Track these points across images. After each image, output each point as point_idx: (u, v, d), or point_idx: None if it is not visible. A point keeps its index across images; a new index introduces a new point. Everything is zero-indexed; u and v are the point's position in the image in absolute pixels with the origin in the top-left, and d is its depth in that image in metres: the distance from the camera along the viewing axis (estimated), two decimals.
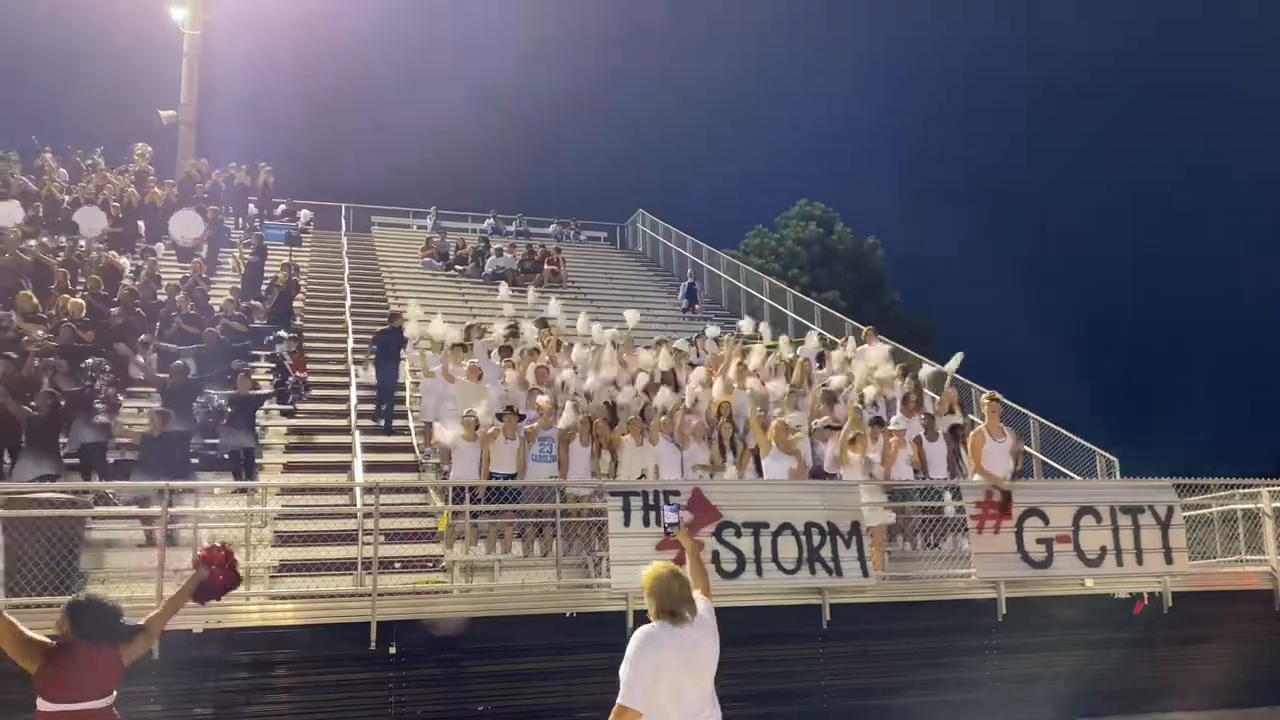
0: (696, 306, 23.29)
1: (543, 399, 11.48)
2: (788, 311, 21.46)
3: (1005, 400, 11.57)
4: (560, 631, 8.52)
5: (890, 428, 11.47)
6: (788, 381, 13.35)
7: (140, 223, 21.14)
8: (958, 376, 14.28)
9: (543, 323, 15.70)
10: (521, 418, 11.32)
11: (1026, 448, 13.24)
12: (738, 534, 9.01)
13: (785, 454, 10.45)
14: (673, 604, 4.22)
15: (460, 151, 54.00)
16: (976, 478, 10.06)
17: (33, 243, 16.63)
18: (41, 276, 15.38)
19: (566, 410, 11.44)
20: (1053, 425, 13.74)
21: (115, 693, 4.81)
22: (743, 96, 66.98)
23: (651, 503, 8.80)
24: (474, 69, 60.58)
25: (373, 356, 14.63)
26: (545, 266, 23.98)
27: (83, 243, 18.02)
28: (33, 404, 10.75)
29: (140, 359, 14.30)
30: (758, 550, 9.03)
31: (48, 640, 4.69)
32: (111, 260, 17.08)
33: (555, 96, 60.76)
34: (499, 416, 11.43)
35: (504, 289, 19.24)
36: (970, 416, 13.41)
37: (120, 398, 12.63)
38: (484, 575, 10.22)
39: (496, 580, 9.80)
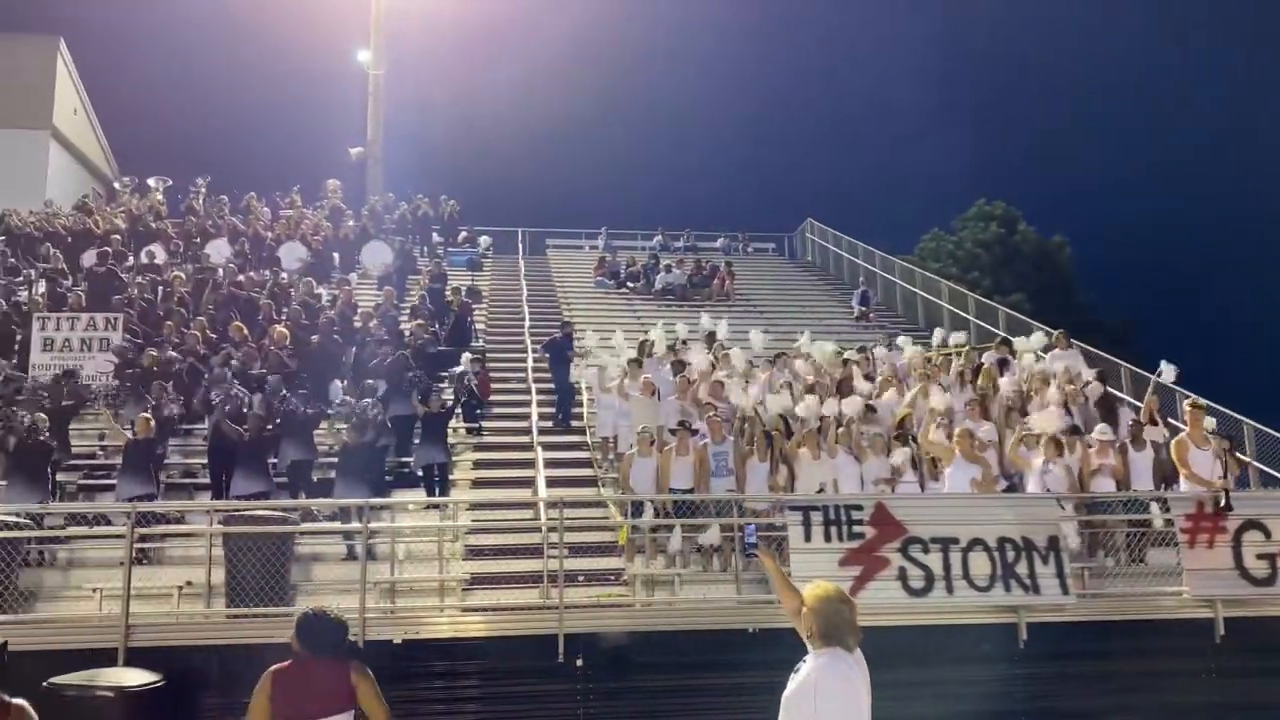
0: (870, 315, 22.76)
1: (714, 414, 11.48)
2: (969, 316, 20.62)
3: (1215, 405, 10.73)
4: (743, 647, 8.45)
5: (1095, 436, 10.83)
6: (974, 389, 12.83)
7: (335, 255, 22.59)
8: (1165, 384, 13.36)
9: (711, 337, 15.69)
10: (694, 432, 11.37)
11: (1242, 456, 12.20)
12: (925, 550, 8.71)
13: (970, 462, 10.02)
14: (846, 629, 4.07)
15: (629, 171, 55.02)
16: (1185, 485, 9.35)
17: (241, 277, 18.07)
18: (249, 308, 16.69)
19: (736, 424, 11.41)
20: (1272, 431, 12.62)
21: (351, 712, 4.76)
22: (910, 99, 65.05)
23: (833, 517, 8.64)
24: (639, 88, 61.54)
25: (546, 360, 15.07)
26: (714, 281, 24.04)
27: (284, 275, 19.38)
28: (245, 426, 11.63)
29: (339, 382, 15.33)
30: (947, 567, 8.70)
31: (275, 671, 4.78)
32: (310, 291, 18.30)
33: (719, 111, 60.96)
34: (672, 432, 11.52)
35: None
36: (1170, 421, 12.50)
37: (320, 419, 13.48)
38: (664, 589, 10.28)
39: (677, 595, 9.82)
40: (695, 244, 29.99)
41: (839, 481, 10.83)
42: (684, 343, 15.39)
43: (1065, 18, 68.07)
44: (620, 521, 10.78)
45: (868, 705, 4.04)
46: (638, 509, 10.63)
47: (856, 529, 8.67)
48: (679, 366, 13.81)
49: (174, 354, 13.96)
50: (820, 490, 10.50)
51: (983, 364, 13.88)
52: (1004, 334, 18.08)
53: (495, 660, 8.20)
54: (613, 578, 10.50)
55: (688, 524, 10.17)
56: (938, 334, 17.55)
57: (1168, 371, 13.57)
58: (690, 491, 10.81)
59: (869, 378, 13.67)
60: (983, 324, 19.96)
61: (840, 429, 11.36)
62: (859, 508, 8.90)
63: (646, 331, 17.37)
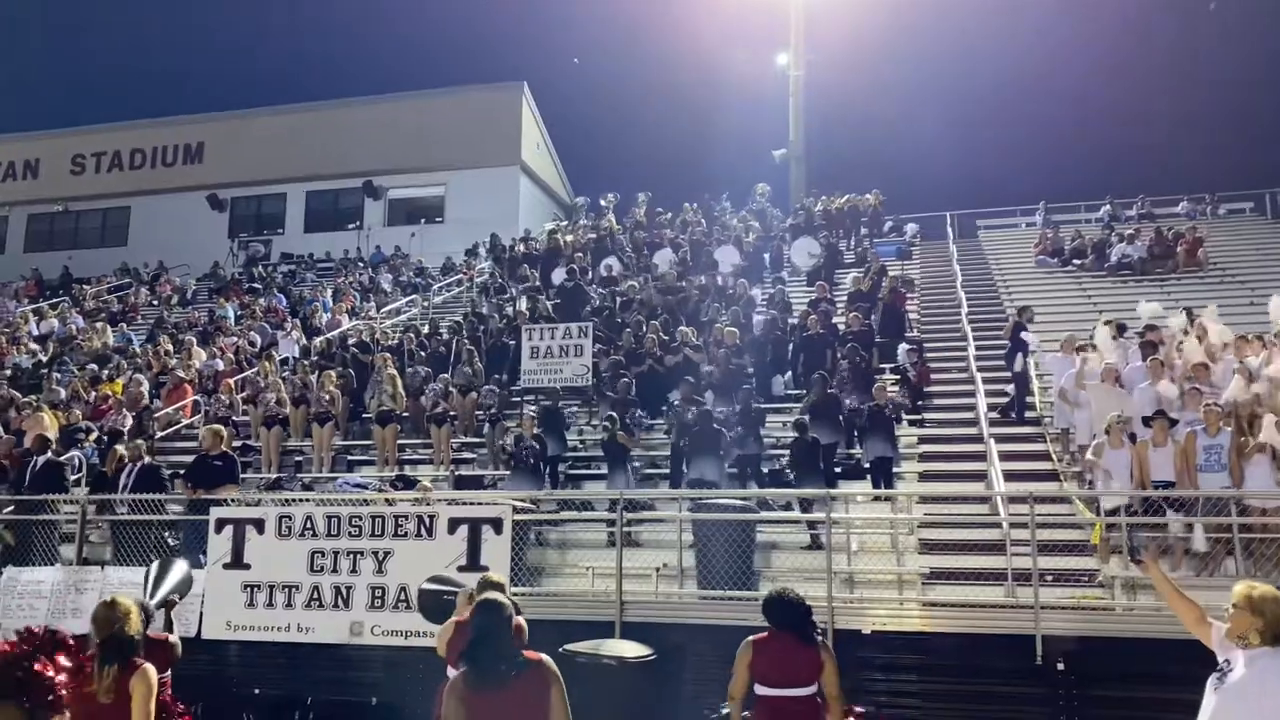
0: None
1: (1206, 400, 10.18)
2: None
3: None
4: None
5: None
6: None
7: (765, 255, 23.41)
8: None
9: (1190, 314, 13.94)
10: (1173, 422, 10.19)
11: None
12: None
13: None
14: None
15: (1063, 141, 50.82)
16: None
17: (682, 283, 19.37)
18: (690, 309, 17.89)
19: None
20: None
21: (815, 686, 5.26)
22: None
23: None
24: (1066, 52, 56.50)
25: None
26: (1179, 249, 21.36)
27: (719, 278, 20.42)
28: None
29: (780, 378, 15.85)
30: None
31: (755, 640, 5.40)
32: (745, 291, 19.10)
33: (1165, 58, 54.04)
34: (1146, 422, 10.41)
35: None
36: None
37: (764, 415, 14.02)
38: (1148, 594, 9.32)
39: (1162, 600, 8.82)
40: (1152, 211, 26.92)
41: None
42: (1120, 325, 13.80)
43: None
44: (1092, 519, 9.95)
45: None
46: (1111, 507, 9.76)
47: None
48: (1149, 349, 12.46)
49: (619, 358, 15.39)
50: None
51: None
52: None
53: (968, 657, 7.95)
54: (1086, 578, 9.74)
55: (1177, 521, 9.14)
56: None
57: None
58: (1171, 486, 9.70)
59: None
60: None
61: None
62: None
63: (1100, 313, 15.92)
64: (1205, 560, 9.46)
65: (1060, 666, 7.70)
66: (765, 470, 12.71)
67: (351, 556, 9.44)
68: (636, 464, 13.35)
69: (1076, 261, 22.34)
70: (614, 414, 12.87)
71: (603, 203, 27.11)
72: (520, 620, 5.50)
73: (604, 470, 13.19)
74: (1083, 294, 20.04)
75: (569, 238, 24.46)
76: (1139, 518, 9.53)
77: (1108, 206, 27.60)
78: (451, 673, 5.44)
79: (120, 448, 12.75)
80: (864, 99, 49.29)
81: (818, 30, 32.85)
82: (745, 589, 9.55)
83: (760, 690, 5.33)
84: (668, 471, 13.12)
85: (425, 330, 19.40)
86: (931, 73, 55.26)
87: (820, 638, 5.46)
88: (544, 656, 4.25)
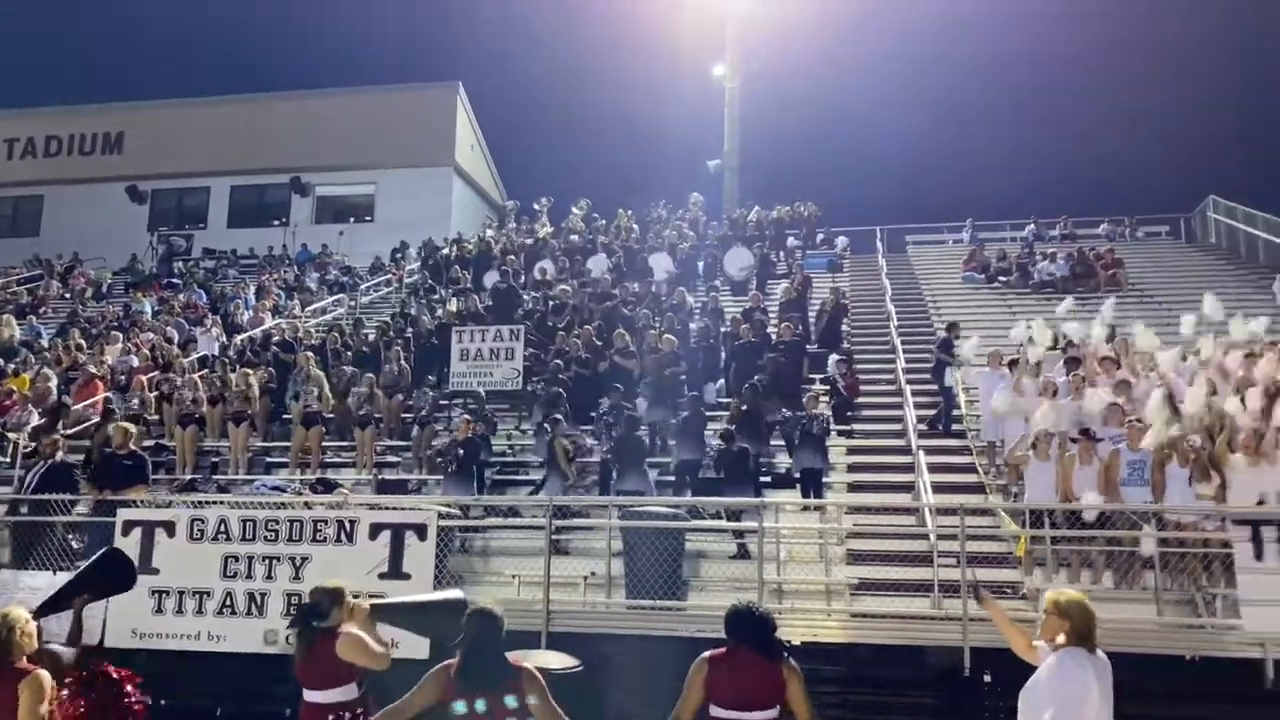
0: None
1: (1126, 417, 10.38)
2: None
3: None
4: (1180, 675, 7.52)
5: None
6: None
7: (699, 264, 23.40)
8: None
9: (1112, 331, 14.28)
10: (1098, 440, 10.37)
11: None
12: None
13: None
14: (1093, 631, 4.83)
15: (990, 161, 52.05)
16: None
17: (616, 290, 19.23)
18: (623, 316, 17.74)
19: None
20: None
21: (777, 709, 4.84)
22: None
23: None
24: (995, 77, 58.02)
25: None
26: (1099, 270, 21.93)
27: (653, 285, 20.34)
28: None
29: (712, 386, 15.80)
30: None
31: (711, 656, 4.96)
32: (679, 299, 19.04)
33: (1092, 81, 55.80)
34: (1073, 439, 10.59)
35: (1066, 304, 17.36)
36: None
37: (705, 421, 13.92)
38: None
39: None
40: (1074, 231, 27.64)
41: None
42: (1071, 342, 14.07)
43: None
44: (1018, 531, 10.06)
45: (1101, 695, 4.69)
46: (1035, 519, 9.88)
47: None
48: (1072, 364, 12.69)
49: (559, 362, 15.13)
50: (1260, 503, 9.14)
51: None
52: None
53: (896, 669, 7.93)
54: (1009, 590, 9.83)
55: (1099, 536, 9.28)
56: None
57: None
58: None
59: None
60: None
61: None
62: None
63: (1027, 328, 16.21)
64: (1124, 573, 9.63)
65: (987, 678, 7.72)
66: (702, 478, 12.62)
67: (267, 562, 9.07)
68: (571, 471, 13.15)
69: (1002, 278, 22.80)
70: (558, 417, 12.67)
71: (536, 206, 26.87)
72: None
73: (532, 476, 12.96)
74: (1008, 310, 20.41)
75: (502, 240, 24.18)
76: (1063, 530, 9.70)
77: (1032, 226, 28.25)
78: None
79: (17, 437, 12.14)
80: (798, 113, 49.86)
81: (754, 43, 33.08)
82: (674, 599, 9.45)
83: (715, 712, 4.88)
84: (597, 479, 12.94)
85: (350, 330, 18.94)
86: (865, 90, 56.16)
87: (786, 655, 4.98)
88: (527, 664, 4.63)
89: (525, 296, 19.64)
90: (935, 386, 14.76)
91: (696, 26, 33.85)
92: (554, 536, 9.92)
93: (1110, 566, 9.70)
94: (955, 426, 14.16)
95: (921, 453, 12.25)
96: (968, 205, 32.52)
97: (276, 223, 33.27)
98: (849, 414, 14.80)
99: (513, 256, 22.00)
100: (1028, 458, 10.58)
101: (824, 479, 12.45)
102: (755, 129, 35.33)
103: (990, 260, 23.77)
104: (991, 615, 5.51)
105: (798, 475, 12.32)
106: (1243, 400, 10.21)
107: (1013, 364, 12.85)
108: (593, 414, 14.11)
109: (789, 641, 5.51)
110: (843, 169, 47.81)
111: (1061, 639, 4.79)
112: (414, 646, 7.24)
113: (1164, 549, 9.10)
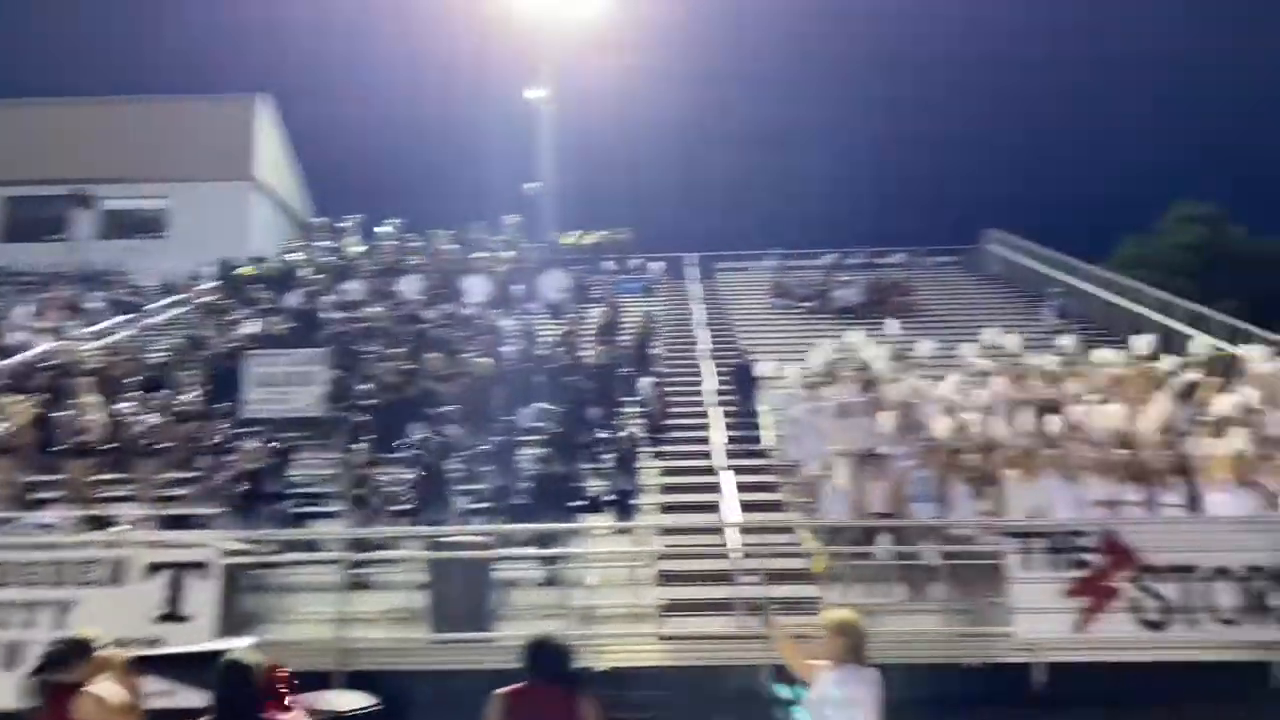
0: (1063, 326, 21.42)
1: (913, 435, 10.98)
2: (1177, 326, 19.12)
3: None
4: (962, 681, 7.94)
5: None
6: (1187, 403, 11.77)
7: (514, 287, 23.21)
8: None
9: (901, 355, 15.13)
10: (888, 457, 10.91)
11: None
12: (1161, 580, 7.96)
13: (1242, 487, 9.13)
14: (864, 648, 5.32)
15: (801, 190, 54.36)
16: None
17: (429, 311, 18.82)
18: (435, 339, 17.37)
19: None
20: None
21: None
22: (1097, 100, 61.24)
23: (1058, 544, 8.03)
24: (801, 111, 60.79)
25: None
26: (894, 297, 23.29)
27: (467, 308, 20.05)
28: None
29: (526, 410, 15.63)
30: (1187, 599, 7.92)
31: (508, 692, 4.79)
32: (493, 322, 18.84)
33: (894, 122, 59.37)
34: (864, 459, 11.09)
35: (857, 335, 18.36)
36: None
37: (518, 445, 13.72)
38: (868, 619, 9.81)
39: (885, 626, 9.35)
40: (872, 261, 29.21)
41: (1053, 506, 10.09)
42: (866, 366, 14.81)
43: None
44: (815, 549, 10.40)
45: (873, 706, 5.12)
46: (833, 535, 10.26)
47: (1083, 557, 8.03)
48: (868, 386, 13.32)
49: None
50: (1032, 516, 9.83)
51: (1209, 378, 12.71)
52: (1221, 345, 16.65)
53: (704, 691, 7.98)
54: (809, 607, 10.12)
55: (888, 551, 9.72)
56: (1140, 342, 16.31)
57: None
58: (889, 517, 10.34)
59: (1076, 392, 12.77)
60: (1195, 332, 18.43)
61: (1052, 449, 10.60)
62: (1080, 534, 8.27)
63: (829, 350, 16.95)
64: (917, 585, 10.11)
65: (786, 694, 7.87)
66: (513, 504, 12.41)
67: (27, 608, 8.22)
68: (375, 501, 12.64)
69: (805, 304, 23.82)
70: (362, 444, 12.18)
71: (339, 225, 25.96)
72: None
73: (336, 507, 12.38)
74: (809, 334, 21.29)
75: (308, 260, 23.20)
76: (856, 546, 10.10)
77: (832, 255, 29.63)
78: None
79: None
80: (612, 139, 50.44)
81: (571, 66, 33.34)
82: (481, 630, 9.20)
83: None
84: (404, 509, 12.50)
85: (136, 354, 17.63)
86: (677, 121, 57.49)
87: (583, 688, 4.93)
88: (298, 711, 4.74)
89: (331, 318, 18.86)
90: (741, 409, 15.15)
91: (512, 51, 33.88)
92: (355, 571, 9.50)
93: (902, 579, 10.15)
94: (757, 447, 14.54)
95: (727, 473, 12.52)
96: (780, 233, 33.76)
97: (57, 237, 30.72)
98: (659, 436, 14.98)
99: (319, 276, 21.12)
100: (825, 476, 10.98)
101: (631, 500, 12.50)
102: (573, 154, 35.61)
103: (793, 287, 24.79)
104: (774, 637, 5.87)
105: (609, 499, 12.31)
106: (1010, 419, 11.00)
107: (812, 386, 13.36)
108: (399, 441, 13.66)
109: (592, 669, 5.43)
110: (655, 196, 48.70)
111: (839, 655, 5.17)
112: (191, 697, 6.70)
113: (948, 560, 9.60)
